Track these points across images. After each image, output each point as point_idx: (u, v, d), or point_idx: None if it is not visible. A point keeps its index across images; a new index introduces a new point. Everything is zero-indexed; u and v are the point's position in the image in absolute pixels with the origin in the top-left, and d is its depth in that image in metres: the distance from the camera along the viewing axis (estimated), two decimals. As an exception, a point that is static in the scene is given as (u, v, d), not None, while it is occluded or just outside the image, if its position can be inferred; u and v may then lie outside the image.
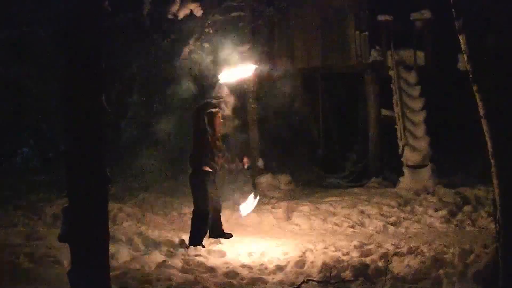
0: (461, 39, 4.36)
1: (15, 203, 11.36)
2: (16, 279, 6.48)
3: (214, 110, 8.24)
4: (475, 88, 4.32)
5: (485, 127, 4.33)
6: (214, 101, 8.60)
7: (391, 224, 9.07)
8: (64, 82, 4.12)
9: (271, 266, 6.91)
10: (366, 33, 13.21)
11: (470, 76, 4.34)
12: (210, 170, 8.07)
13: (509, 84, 4.17)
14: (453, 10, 4.42)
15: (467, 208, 9.61)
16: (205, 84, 14.50)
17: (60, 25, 3.98)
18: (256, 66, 8.89)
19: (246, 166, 8.76)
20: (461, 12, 4.26)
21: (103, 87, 4.15)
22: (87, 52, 4.10)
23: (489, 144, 4.35)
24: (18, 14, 13.82)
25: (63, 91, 4.15)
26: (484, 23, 4.20)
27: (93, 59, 4.10)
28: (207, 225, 8.14)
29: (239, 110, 13.84)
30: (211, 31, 12.85)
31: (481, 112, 4.32)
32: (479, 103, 4.33)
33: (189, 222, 8.24)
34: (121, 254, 7.38)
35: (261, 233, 8.91)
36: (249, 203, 8.68)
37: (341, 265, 6.66)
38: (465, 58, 4.35)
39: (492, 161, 4.34)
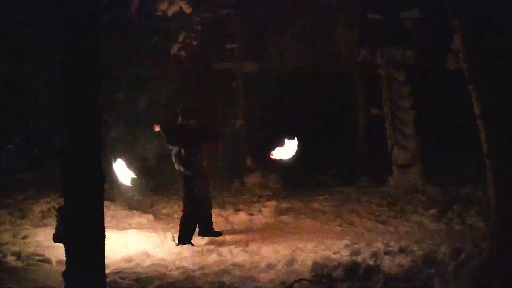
0: (457, 38, 4.34)
1: (1, 202, 11.25)
2: (3, 279, 6.41)
3: (190, 107, 8.26)
4: (471, 87, 4.29)
5: (480, 127, 4.30)
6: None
7: (381, 222, 9.07)
8: (63, 80, 4.06)
9: (262, 265, 6.88)
10: (356, 31, 13.19)
11: (466, 75, 4.31)
12: (193, 170, 8.03)
13: (506, 84, 4.16)
14: (448, 9, 4.40)
15: (456, 207, 9.62)
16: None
17: (59, 23, 3.87)
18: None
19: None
20: (457, 11, 4.23)
21: (101, 85, 4.11)
22: (86, 50, 4.05)
23: (484, 144, 4.32)
24: (6, 9, 13.67)
25: (61, 89, 4.09)
26: (481, 22, 4.18)
27: (92, 58, 4.04)
28: (195, 224, 8.11)
29: (228, 108, 13.83)
30: (200, 29, 12.79)
31: (477, 111, 4.30)
32: (475, 103, 4.30)
33: (178, 221, 8.22)
34: (111, 252, 7.29)
35: (250, 232, 8.88)
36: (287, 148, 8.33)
37: (332, 264, 6.63)
38: (461, 57, 4.32)
39: (487, 161, 4.31)
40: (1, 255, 7.38)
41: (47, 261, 7.08)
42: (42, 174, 14.05)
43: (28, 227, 9.42)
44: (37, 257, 7.23)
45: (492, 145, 4.26)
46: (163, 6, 12.11)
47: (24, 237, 8.56)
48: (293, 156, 8.30)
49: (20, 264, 7.09)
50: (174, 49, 12.87)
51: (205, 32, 13.01)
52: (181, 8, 12.12)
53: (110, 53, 13.89)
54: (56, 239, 4.32)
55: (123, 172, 8.05)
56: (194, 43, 12.84)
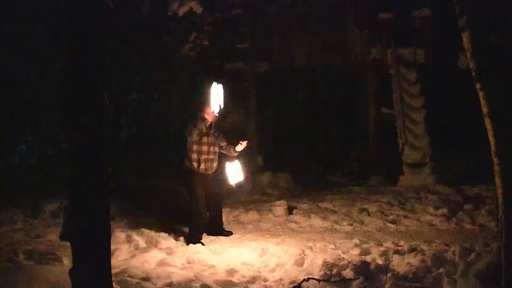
0: (464, 37, 4.33)
1: (14, 201, 11.34)
2: (15, 277, 6.46)
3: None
4: (478, 86, 4.28)
5: (488, 125, 4.30)
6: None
7: (391, 222, 9.05)
8: (67, 79, 4.10)
9: (271, 264, 6.90)
10: (366, 31, 13.17)
11: (473, 74, 4.30)
12: (194, 169, 8.04)
13: (513, 82, 4.16)
14: (456, 7, 4.39)
15: (467, 206, 9.59)
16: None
17: (64, 22, 3.92)
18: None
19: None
20: (464, 9, 4.22)
21: (107, 85, 4.13)
22: (91, 49, 4.08)
23: (492, 142, 4.32)
24: (15, 9, 13.76)
25: (65, 88, 4.12)
26: (488, 20, 4.17)
27: (97, 56, 4.07)
28: (203, 223, 8.13)
29: (239, 107, 13.85)
30: (210, 29, 12.83)
31: (484, 110, 4.29)
32: (482, 101, 4.30)
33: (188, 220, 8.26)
34: (121, 251, 7.38)
35: (261, 231, 8.90)
36: (237, 172, 8.14)
37: (342, 263, 6.65)
38: (468, 56, 4.32)
39: (494, 159, 4.31)
40: (13, 253, 7.45)
41: (59, 260, 7.13)
42: (55, 173, 14.14)
43: (40, 226, 9.50)
44: (49, 256, 7.28)
45: (499, 143, 4.25)
46: (174, 6, 12.17)
47: (36, 236, 8.63)
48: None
49: (31, 262, 7.16)
50: (185, 49, 12.92)
51: (215, 32, 13.06)
52: (191, 8, 12.17)
53: (121, 54, 14.00)
54: (62, 237, 4.37)
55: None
56: (205, 43, 12.89)
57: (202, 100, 8.25)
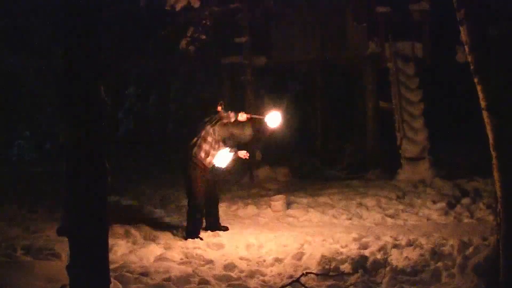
0: (462, 30, 4.32)
1: (12, 196, 11.32)
2: (13, 272, 6.45)
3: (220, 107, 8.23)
4: (476, 79, 4.27)
5: (486, 119, 4.29)
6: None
7: (389, 216, 9.05)
8: (63, 72, 4.08)
9: (269, 259, 6.89)
10: (364, 24, 13.14)
11: (471, 67, 4.29)
12: (198, 162, 8.02)
13: (511, 75, 4.14)
14: (453, 0, 4.38)
15: (465, 200, 9.60)
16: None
17: (61, 17, 3.90)
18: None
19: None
20: (463, 2, 4.21)
21: (101, 77, 4.10)
22: (86, 42, 4.06)
23: (490, 136, 4.31)
24: (14, 4, 13.75)
25: (61, 81, 4.10)
26: (486, 13, 4.16)
27: (92, 50, 4.05)
28: (201, 217, 8.13)
29: (237, 102, 13.84)
30: (208, 23, 12.81)
31: (482, 103, 4.28)
32: (480, 95, 4.29)
33: (186, 215, 8.25)
34: (119, 246, 7.37)
35: (259, 226, 8.89)
36: (224, 157, 8.22)
37: (340, 257, 6.65)
38: (466, 49, 4.31)
39: (493, 153, 4.30)
40: (11, 249, 7.44)
41: (57, 255, 7.12)
42: (52, 168, 14.14)
43: (38, 221, 9.48)
44: (47, 251, 7.26)
45: (497, 137, 4.24)
46: (172, 1, 12.13)
47: (34, 231, 8.62)
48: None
49: (29, 258, 7.14)
50: (183, 43, 12.90)
51: (213, 26, 13.03)
52: (189, 2, 12.13)
53: (119, 48, 13.98)
54: (60, 232, 4.36)
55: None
56: (203, 37, 12.86)
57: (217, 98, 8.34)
